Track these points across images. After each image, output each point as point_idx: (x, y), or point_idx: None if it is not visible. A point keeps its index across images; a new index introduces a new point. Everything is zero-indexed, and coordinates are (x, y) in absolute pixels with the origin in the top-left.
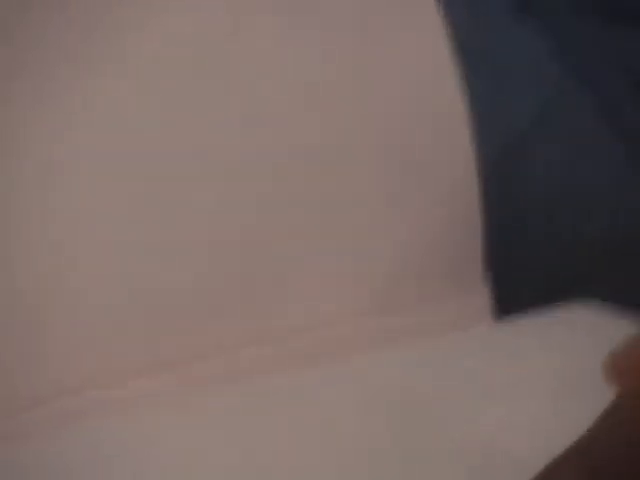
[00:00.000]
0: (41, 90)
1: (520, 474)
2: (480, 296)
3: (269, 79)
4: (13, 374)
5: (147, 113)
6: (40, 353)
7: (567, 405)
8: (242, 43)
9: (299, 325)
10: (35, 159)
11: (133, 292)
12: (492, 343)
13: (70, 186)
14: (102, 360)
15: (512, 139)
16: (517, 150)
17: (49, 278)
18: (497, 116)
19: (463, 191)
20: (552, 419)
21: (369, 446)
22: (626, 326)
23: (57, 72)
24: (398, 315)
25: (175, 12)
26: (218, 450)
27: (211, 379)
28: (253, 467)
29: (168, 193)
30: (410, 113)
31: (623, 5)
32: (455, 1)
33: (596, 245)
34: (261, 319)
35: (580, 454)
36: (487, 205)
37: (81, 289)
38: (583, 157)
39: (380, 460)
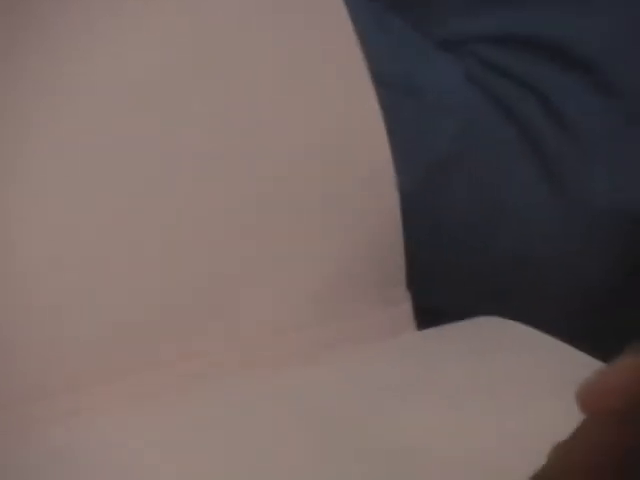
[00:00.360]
0: (28, 84)
1: (443, 474)
2: (404, 308)
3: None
4: None
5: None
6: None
7: (484, 407)
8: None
9: (233, 337)
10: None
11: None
12: (414, 350)
13: (59, 184)
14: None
15: (433, 161)
16: (438, 172)
17: (28, 277)
18: (419, 140)
19: (386, 210)
20: (472, 420)
21: (300, 453)
22: (536, 335)
23: (48, 67)
24: (323, 327)
25: (172, 13)
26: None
27: (147, 393)
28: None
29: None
30: (332, 137)
31: (528, 38)
32: (374, 34)
33: (509, 262)
34: (195, 333)
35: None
36: (409, 224)
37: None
38: (499, 179)
39: (308, 463)
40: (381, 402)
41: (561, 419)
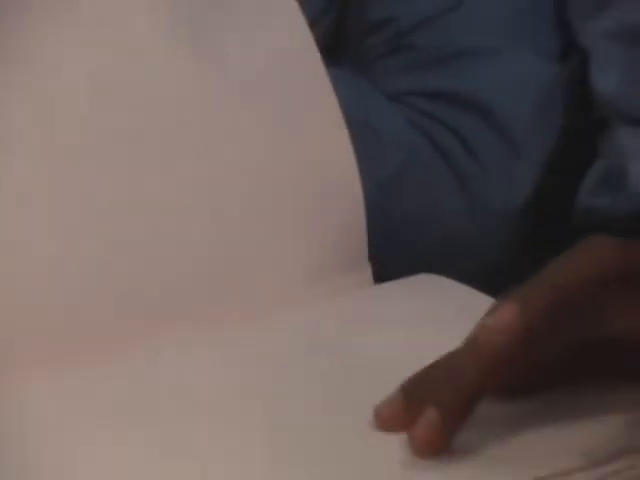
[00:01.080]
0: None
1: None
2: (367, 276)
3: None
4: None
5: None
6: None
7: (422, 332)
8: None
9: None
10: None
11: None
12: (372, 299)
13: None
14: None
15: (386, 179)
16: (389, 186)
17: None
18: (376, 164)
19: (354, 213)
20: (416, 344)
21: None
22: (456, 285)
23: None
24: (310, 289)
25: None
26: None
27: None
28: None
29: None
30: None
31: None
32: (345, 90)
33: (438, 245)
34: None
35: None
36: (370, 221)
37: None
38: (430, 191)
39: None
40: (348, 330)
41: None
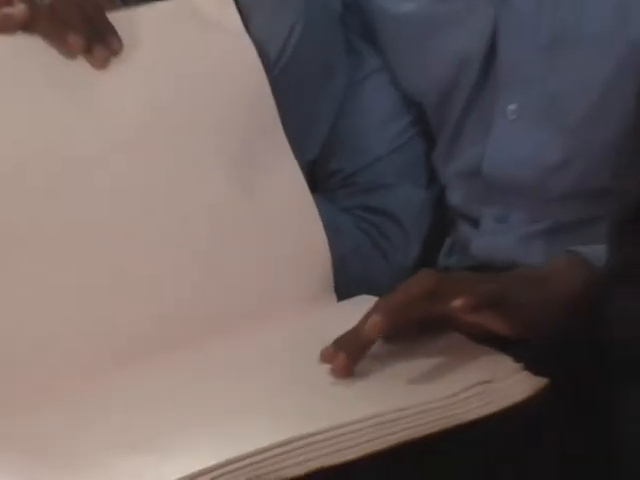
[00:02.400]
0: None
1: None
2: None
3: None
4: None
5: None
6: None
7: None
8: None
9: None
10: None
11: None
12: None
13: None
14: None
15: (340, 257)
16: (341, 261)
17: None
18: (333, 249)
19: (319, 249)
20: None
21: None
22: None
23: None
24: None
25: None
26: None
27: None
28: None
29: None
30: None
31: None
32: (318, 203)
33: (365, 284)
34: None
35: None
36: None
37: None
38: (365, 263)
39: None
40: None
41: None
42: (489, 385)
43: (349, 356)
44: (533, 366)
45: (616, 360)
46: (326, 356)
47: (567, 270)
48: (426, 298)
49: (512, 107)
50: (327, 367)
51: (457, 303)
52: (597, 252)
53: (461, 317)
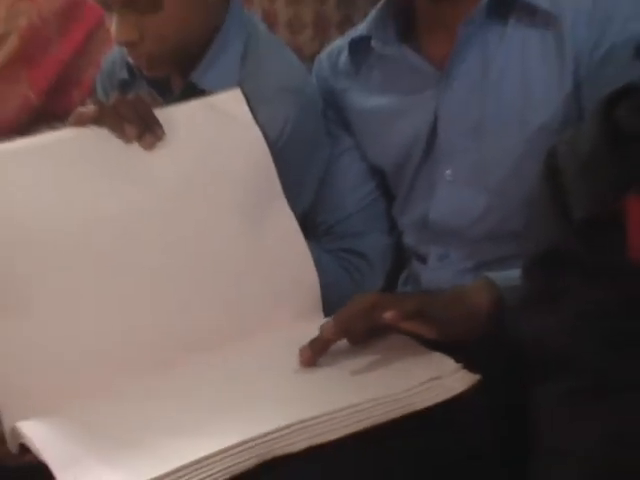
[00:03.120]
0: None
1: None
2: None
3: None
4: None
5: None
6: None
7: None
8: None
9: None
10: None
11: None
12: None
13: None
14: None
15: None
16: (323, 290)
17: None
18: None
19: (312, 290)
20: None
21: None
22: None
23: None
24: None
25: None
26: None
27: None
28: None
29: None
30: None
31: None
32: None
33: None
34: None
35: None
36: None
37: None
38: (341, 291)
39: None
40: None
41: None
42: (438, 381)
43: (313, 351)
44: (468, 365)
45: (526, 363)
46: (300, 352)
47: (479, 290)
48: (367, 311)
49: (449, 172)
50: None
51: (388, 314)
52: (505, 276)
53: (395, 325)
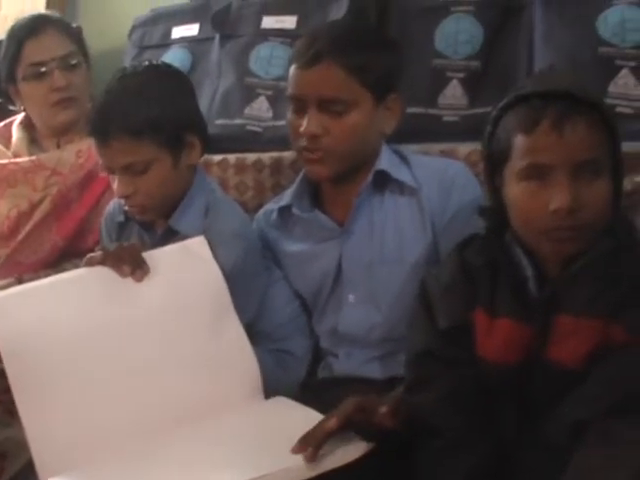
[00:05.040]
0: None
1: None
2: (260, 399)
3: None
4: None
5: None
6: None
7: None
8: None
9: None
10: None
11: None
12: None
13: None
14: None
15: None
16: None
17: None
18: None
19: (254, 377)
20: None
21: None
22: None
23: None
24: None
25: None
26: None
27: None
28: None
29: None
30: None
31: None
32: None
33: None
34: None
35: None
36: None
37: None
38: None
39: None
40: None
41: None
42: (345, 446)
43: (314, 449)
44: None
45: (412, 430)
46: (296, 450)
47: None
48: (360, 411)
49: (351, 297)
50: (261, 437)
51: (383, 409)
52: None
53: (382, 421)
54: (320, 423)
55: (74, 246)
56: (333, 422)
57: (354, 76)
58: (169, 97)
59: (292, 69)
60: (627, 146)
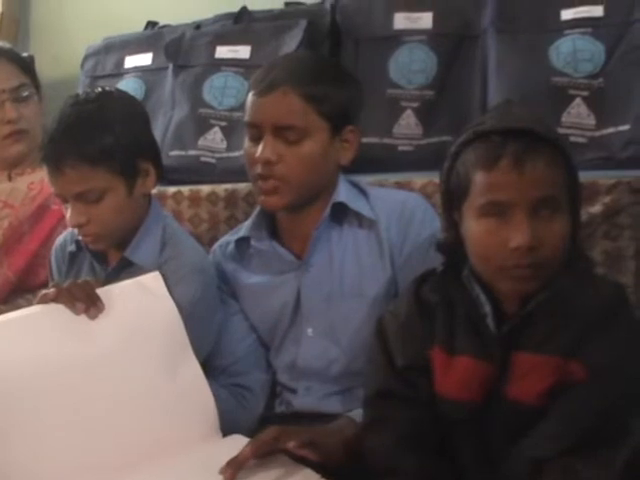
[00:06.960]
0: None
1: None
2: (219, 437)
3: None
4: None
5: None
6: None
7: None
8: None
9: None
10: None
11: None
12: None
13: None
14: None
15: None
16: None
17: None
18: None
19: (211, 417)
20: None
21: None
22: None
23: None
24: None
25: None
26: None
27: None
28: None
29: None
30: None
31: None
32: None
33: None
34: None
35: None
36: None
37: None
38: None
39: None
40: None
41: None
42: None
43: (232, 468)
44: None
45: (368, 469)
46: (223, 472)
47: (347, 425)
48: (274, 440)
49: (310, 330)
50: (214, 477)
51: (290, 444)
52: (359, 414)
53: (293, 451)
54: (242, 449)
55: (26, 281)
56: (248, 449)
57: (311, 105)
58: (123, 123)
59: (249, 97)
60: (581, 176)
